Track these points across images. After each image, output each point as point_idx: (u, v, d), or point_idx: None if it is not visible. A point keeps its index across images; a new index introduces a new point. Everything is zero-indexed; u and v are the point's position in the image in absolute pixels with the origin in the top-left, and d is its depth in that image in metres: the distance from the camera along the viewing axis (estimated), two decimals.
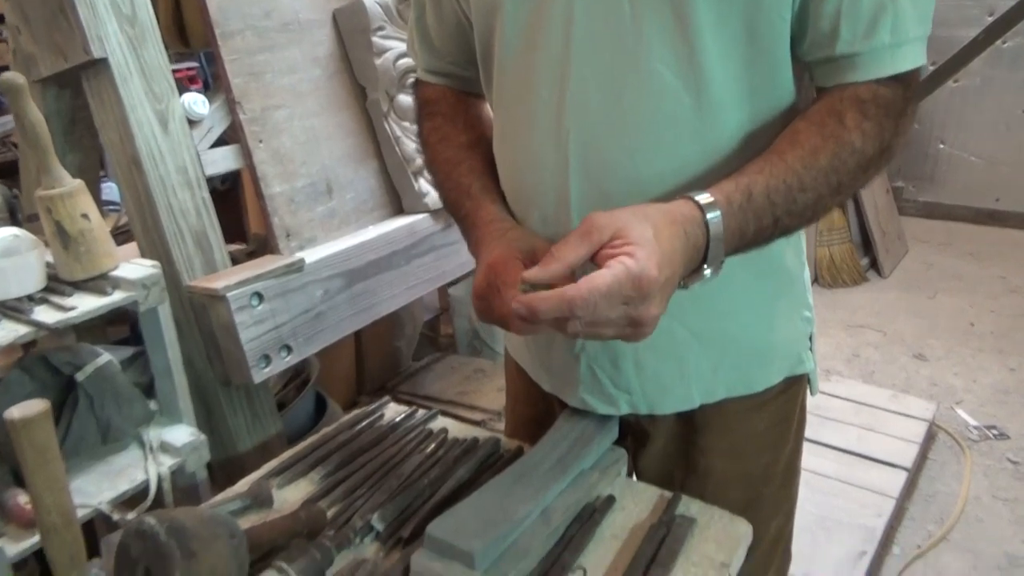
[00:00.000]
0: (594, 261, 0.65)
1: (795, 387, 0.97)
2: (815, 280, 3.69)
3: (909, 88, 0.75)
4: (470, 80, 0.96)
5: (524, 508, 0.80)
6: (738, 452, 0.96)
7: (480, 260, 0.79)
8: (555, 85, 0.79)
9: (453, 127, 0.95)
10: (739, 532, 0.85)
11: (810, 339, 0.98)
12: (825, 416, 2.43)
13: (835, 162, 0.72)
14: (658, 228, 0.65)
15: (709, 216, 0.68)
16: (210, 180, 1.35)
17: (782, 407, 0.96)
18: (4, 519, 1.01)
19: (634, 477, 1.02)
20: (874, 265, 3.91)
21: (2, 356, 1.25)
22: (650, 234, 0.64)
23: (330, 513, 0.90)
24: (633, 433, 1.00)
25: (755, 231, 0.71)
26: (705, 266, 0.70)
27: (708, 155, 0.78)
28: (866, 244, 3.89)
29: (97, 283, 1.07)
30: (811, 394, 1.01)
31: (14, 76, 0.97)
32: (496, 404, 2.22)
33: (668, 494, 0.90)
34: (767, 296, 0.89)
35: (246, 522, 0.90)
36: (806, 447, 1.06)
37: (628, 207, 0.68)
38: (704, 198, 0.69)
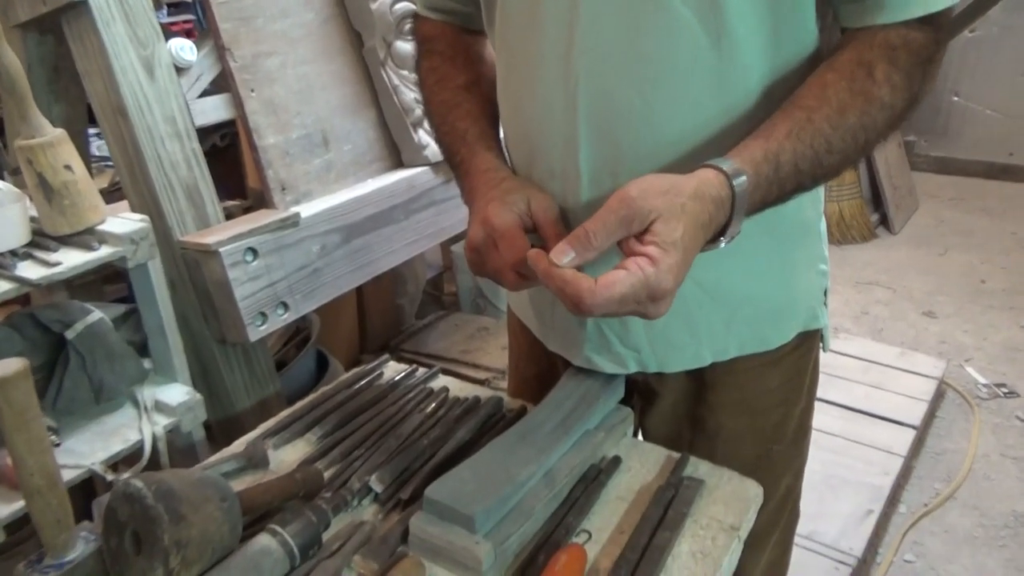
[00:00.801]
0: (623, 242, 0.63)
1: (808, 342, 0.94)
2: None
3: (941, 30, 0.70)
4: (471, 16, 0.91)
5: (527, 470, 0.78)
6: (749, 409, 0.93)
7: (474, 211, 0.76)
8: (563, 22, 0.73)
9: (452, 66, 0.91)
10: (748, 494, 0.82)
11: (824, 293, 0.94)
12: (833, 374, 2.41)
13: (864, 119, 0.68)
14: (690, 221, 0.62)
15: (737, 190, 0.64)
16: (209, 136, 1.30)
17: (795, 363, 0.93)
18: None
19: (640, 436, 1.00)
20: (884, 221, 3.84)
21: None
22: (678, 235, 0.61)
23: (327, 475, 0.87)
24: (640, 391, 0.97)
25: (777, 198, 0.69)
26: (722, 238, 0.67)
27: (726, 99, 0.73)
28: (876, 200, 3.83)
29: (83, 238, 1.03)
30: (823, 350, 0.98)
31: None
32: (500, 362, 2.20)
33: (675, 455, 0.87)
34: (783, 249, 0.85)
35: (241, 484, 0.87)
36: None
37: (665, 185, 0.63)
38: (733, 168, 0.65)
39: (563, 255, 0.62)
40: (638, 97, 0.73)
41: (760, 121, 0.71)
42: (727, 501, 0.81)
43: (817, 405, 1.03)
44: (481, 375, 2.17)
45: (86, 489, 1.25)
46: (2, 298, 0.92)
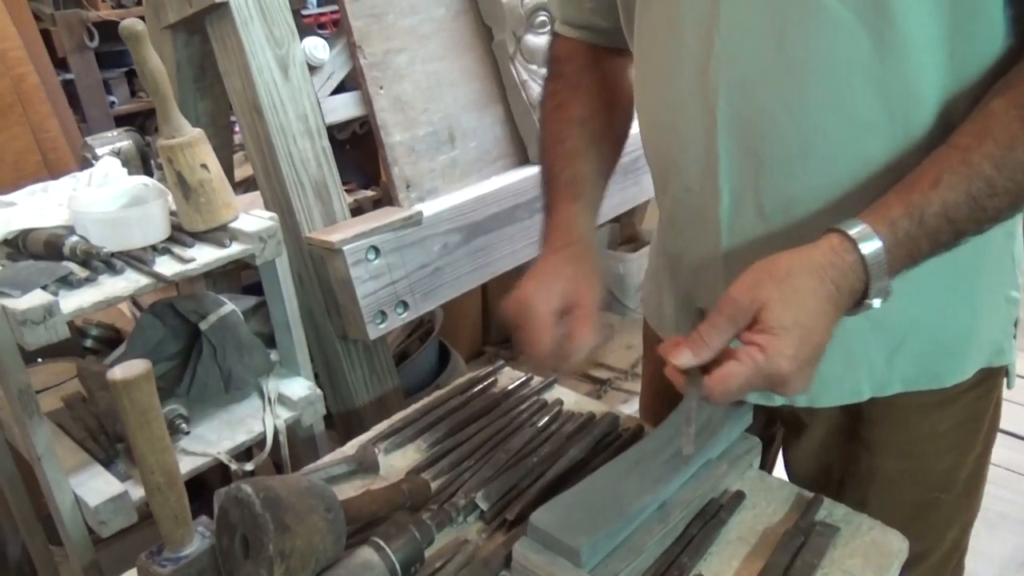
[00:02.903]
0: (738, 335, 0.63)
1: (990, 381, 0.82)
2: None
3: None
4: (611, 33, 0.86)
5: (640, 501, 0.73)
6: (913, 452, 0.83)
7: (531, 270, 0.77)
8: (702, 28, 0.68)
9: (572, 94, 0.87)
10: (892, 547, 0.73)
11: (1015, 324, 0.82)
12: (1006, 398, 2.17)
13: None
14: (803, 298, 0.60)
15: (866, 253, 0.60)
16: (349, 124, 1.31)
17: (972, 404, 0.82)
18: (131, 463, 1.04)
19: (776, 469, 0.92)
20: None
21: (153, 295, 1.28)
22: (787, 318, 0.60)
23: (434, 485, 0.86)
24: (785, 420, 0.89)
25: (929, 251, 0.62)
26: (867, 301, 0.62)
27: (890, 112, 0.64)
28: None
29: (216, 234, 1.07)
30: (1007, 387, 0.86)
31: (133, 23, 0.96)
32: (623, 362, 2.14)
33: (808, 494, 0.79)
34: (962, 272, 0.75)
35: (351, 487, 0.88)
36: None
37: (766, 273, 0.62)
38: (860, 231, 0.60)
39: (682, 356, 0.64)
40: (782, 108, 0.66)
41: (932, 135, 0.62)
42: (866, 553, 0.72)
43: None
44: (603, 374, 2.11)
45: (219, 475, 1.32)
46: (140, 292, 0.97)
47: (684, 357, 0.63)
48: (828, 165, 0.68)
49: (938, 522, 0.85)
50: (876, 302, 0.62)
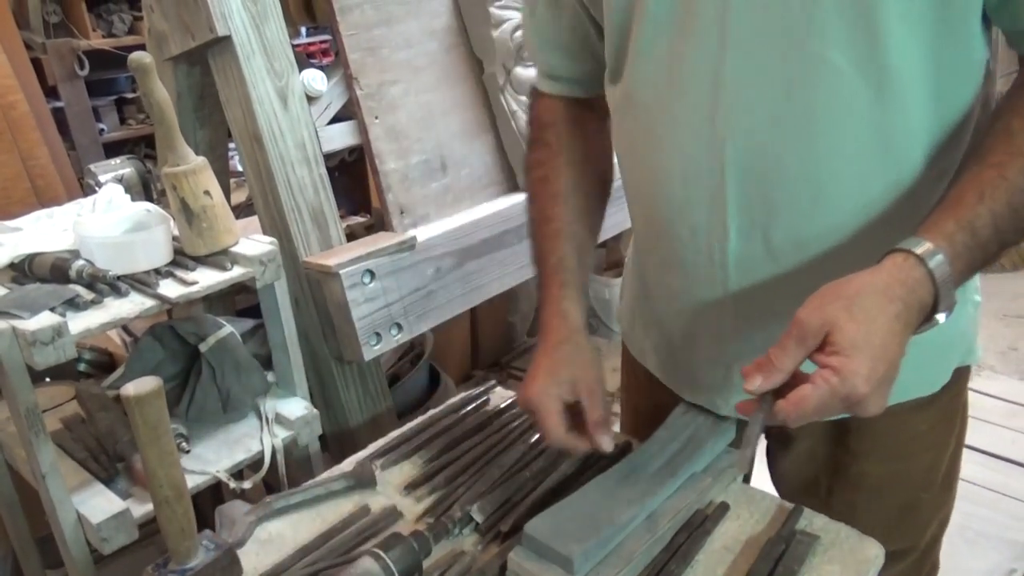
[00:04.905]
0: (810, 358, 0.63)
1: (961, 381, 0.89)
2: None
3: None
4: (594, 83, 0.89)
5: (628, 512, 0.76)
6: (897, 455, 0.88)
7: (532, 365, 0.80)
8: (707, 82, 0.71)
9: (555, 164, 0.90)
10: (868, 554, 0.77)
11: (976, 324, 0.89)
12: (975, 416, 2.21)
13: None
14: (872, 317, 0.61)
15: (933, 266, 0.62)
16: (337, 152, 1.35)
17: (948, 404, 0.88)
18: (131, 482, 1.06)
19: (758, 480, 0.95)
20: None
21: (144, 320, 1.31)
22: (861, 337, 0.60)
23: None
24: (771, 433, 0.93)
25: (982, 263, 0.65)
26: (936, 316, 0.64)
27: (891, 152, 0.69)
28: None
29: (218, 258, 1.10)
30: (970, 378, 0.92)
31: (141, 56, 1.00)
32: (609, 385, 2.17)
33: (788, 505, 0.83)
34: None
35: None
36: None
37: (834, 293, 0.63)
38: (924, 248, 0.62)
39: (753, 381, 0.63)
40: (793, 155, 0.70)
41: (927, 183, 0.67)
42: (844, 561, 0.76)
43: None
44: None
45: (214, 494, 1.34)
46: (145, 314, 1.00)
47: (755, 382, 0.63)
48: (836, 206, 0.71)
49: (919, 520, 0.90)
50: (942, 316, 0.64)
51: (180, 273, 1.08)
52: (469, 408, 1.08)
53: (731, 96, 0.70)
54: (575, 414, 0.78)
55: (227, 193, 1.78)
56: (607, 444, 0.76)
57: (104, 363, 1.67)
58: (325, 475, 0.95)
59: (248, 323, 1.36)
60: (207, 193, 1.09)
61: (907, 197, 0.70)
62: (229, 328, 1.23)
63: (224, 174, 1.71)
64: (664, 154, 0.78)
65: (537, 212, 0.90)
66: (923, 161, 0.70)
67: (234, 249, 1.12)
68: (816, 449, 0.90)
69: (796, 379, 0.62)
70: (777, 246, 0.75)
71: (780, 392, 0.63)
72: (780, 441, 0.93)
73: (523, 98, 1.56)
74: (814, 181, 0.71)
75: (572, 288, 0.84)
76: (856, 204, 0.71)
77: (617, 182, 0.94)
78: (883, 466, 0.88)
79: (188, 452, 1.13)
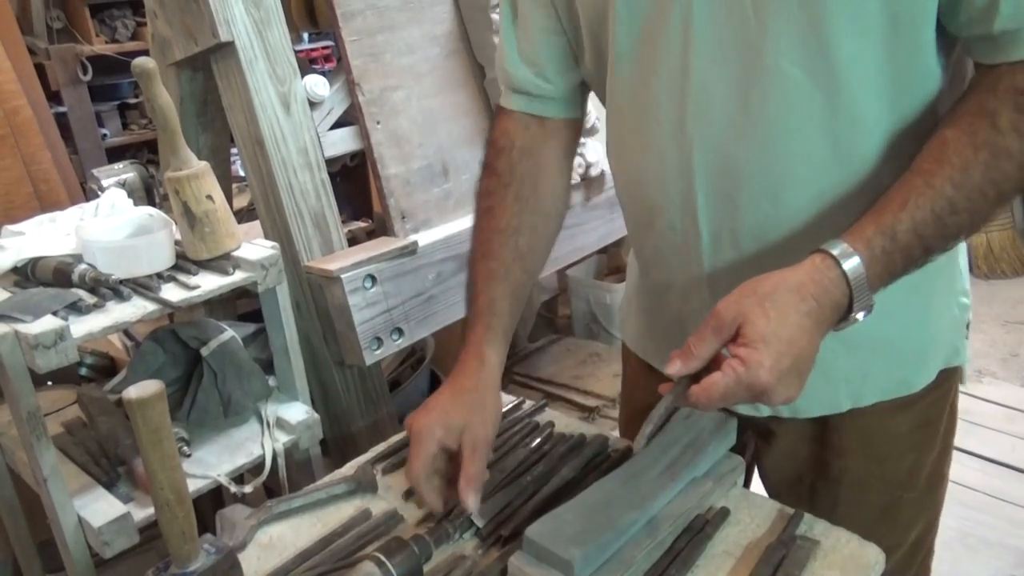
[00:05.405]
0: (726, 348, 0.67)
1: (947, 383, 0.89)
2: (969, 270, 3.37)
3: None
4: (561, 102, 0.90)
5: (629, 516, 0.76)
6: (877, 454, 0.89)
7: (429, 402, 0.82)
8: (675, 89, 0.75)
9: (502, 196, 0.89)
10: (868, 558, 0.77)
11: (967, 327, 0.90)
12: (974, 422, 2.22)
13: (991, 174, 0.65)
14: (783, 313, 0.64)
15: (847, 268, 0.65)
16: (339, 157, 1.37)
17: (931, 406, 0.88)
18: (132, 486, 1.06)
19: (754, 476, 0.96)
20: None
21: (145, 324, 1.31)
22: (769, 329, 0.63)
23: None
24: (757, 430, 0.94)
25: (903, 267, 0.67)
26: (852, 314, 0.66)
27: (846, 156, 0.72)
28: None
29: (220, 263, 1.11)
30: (961, 382, 0.92)
31: (145, 61, 1.01)
32: (611, 391, 2.17)
33: (789, 510, 0.83)
34: (919, 284, 0.80)
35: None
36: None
37: (750, 288, 0.67)
38: (840, 249, 0.65)
39: (671, 366, 0.67)
40: (753, 160, 0.74)
41: (884, 174, 0.69)
42: (843, 566, 0.76)
43: (955, 455, 0.96)
44: (591, 402, 2.14)
45: (214, 499, 1.34)
46: (147, 318, 1.00)
47: (675, 366, 0.67)
48: (792, 203, 0.75)
49: (901, 520, 0.91)
50: (861, 315, 0.67)
51: (182, 277, 1.08)
52: None
53: (696, 104, 0.74)
54: (456, 465, 0.79)
55: (229, 198, 1.79)
56: (472, 504, 0.77)
57: (106, 367, 1.68)
58: (326, 479, 0.96)
59: (249, 327, 1.36)
60: (209, 197, 1.09)
61: (863, 194, 0.73)
62: (231, 332, 1.23)
63: (226, 179, 1.72)
64: (642, 156, 0.82)
65: (478, 245, 0.90)
66: (877, 160, 0.73)
67: (236, 253, 1.13)
68: (798, 447, 0.92)
69: (715, 366, 0.65)
70: (743, 242, 0.79)
71: (697, 378, 0.67)
72: (764, 439, 0.94)
73: None
74: (773, 183, 0.74)
75: (496, 332, 0.86)
76: (809, 198, 0.75)
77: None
78: (864, 464, 0.89)
79: (189, 456, 1.13)
